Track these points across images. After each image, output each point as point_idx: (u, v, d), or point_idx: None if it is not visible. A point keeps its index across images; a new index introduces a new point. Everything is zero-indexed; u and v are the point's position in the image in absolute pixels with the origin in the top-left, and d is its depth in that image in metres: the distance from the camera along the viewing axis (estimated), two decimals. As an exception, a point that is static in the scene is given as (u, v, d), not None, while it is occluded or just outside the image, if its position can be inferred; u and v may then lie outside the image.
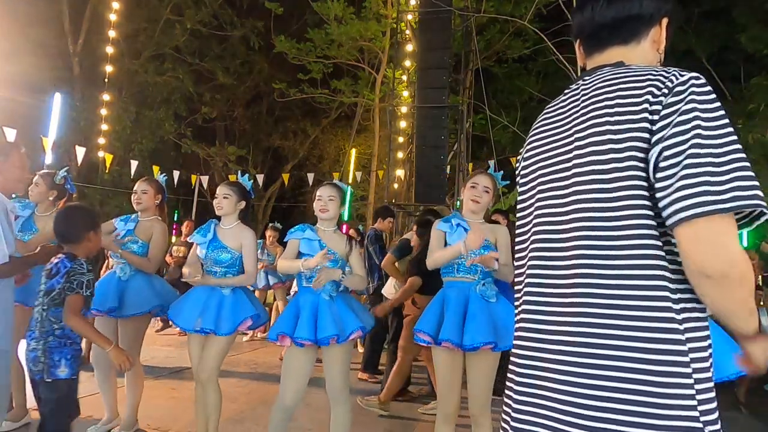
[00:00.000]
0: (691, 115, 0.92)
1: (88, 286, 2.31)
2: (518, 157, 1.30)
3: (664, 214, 0.92)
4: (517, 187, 1.26)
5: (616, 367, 0.93)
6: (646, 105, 0.97)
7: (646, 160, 0.96)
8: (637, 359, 0.93)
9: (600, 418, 0.93)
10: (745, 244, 11.25)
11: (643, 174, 0.96)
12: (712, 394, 0.93)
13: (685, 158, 0.90)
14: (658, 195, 0.93)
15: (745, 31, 10.82)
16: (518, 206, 1.24)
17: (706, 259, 0.89)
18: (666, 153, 0.92)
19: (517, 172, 1.29)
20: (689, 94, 0.94)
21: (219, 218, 3.14)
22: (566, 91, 1.20)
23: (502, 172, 2.93)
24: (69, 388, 2.31)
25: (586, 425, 0.94)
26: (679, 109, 0.94)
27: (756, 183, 0.89)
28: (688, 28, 12.23)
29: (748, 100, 10.78)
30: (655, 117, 0.95)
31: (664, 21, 1.14)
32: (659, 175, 0.93)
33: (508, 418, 1.09)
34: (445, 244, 2.78)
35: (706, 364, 0.93)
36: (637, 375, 0.92)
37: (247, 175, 3.30)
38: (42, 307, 2.31)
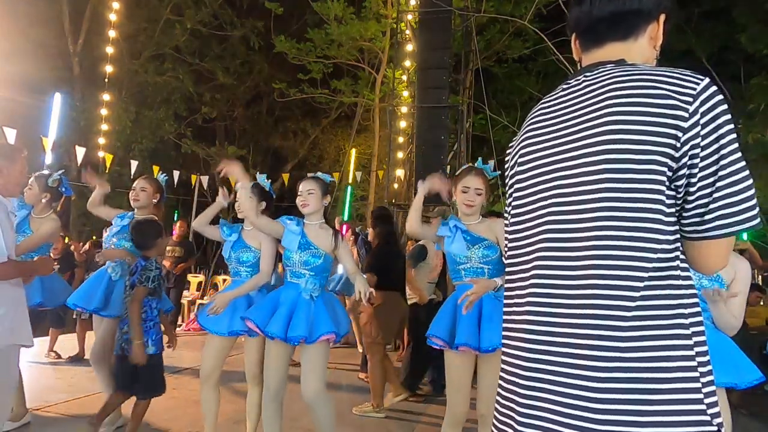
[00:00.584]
0: (717, 134, 0.96)
1: (153, 280, 2.96)
2: (509, 152, 1.26)
3: (691, 227, 1.00)
4: (510, 182, 1.22)
5: (626, 368, 0.94)
6: (667, 110, 0.96)
7: (666, 171, 0.97)
8: (647, 358, 0.94)
9: (612, 421, 0.93)
10: (745, 237, 11.27)
11: (662, 184, 0.97)
12: (713, 388, 0.96)
13: (717, 179, 0.96)
14: (689, 207, 0.99)
15: (745, 31, 10.81)
16: (514, 203, 1.20)
17: (715, 266, 1.05)
18: (694, 171, 0.96)
19: (508, 167, 1.26)
20: (712, 107, 0.96)
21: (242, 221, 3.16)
22: (564, 86, 1.17)
23: (491, 163, 2.86)
24: (156, 361, 3.00)
25: (598, 429, 0.94)
26: (705, 122, 0.96)
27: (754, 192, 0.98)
28: (688, 28, 12.22)
29: (748, 100, 10.78)
30: (682, 123, 0.95)
31: (662, 17, 1.14)
32: (691, 189, 0.98)
33: (512, 422, 1.08)
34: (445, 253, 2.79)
35: (707, 358, 0.97)
36: (647, 374, 0.93)
37: (265, 174, 3.29)
38: (128, 298, 2.97)
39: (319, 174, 3.00)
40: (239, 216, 3.11)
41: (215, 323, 2.95)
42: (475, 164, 2.83)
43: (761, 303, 6.77)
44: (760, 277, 10.18)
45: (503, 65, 13.24)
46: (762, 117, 10.39)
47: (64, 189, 3.60)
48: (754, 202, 0.96)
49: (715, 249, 1.01)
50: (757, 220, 0.97)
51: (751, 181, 0.97)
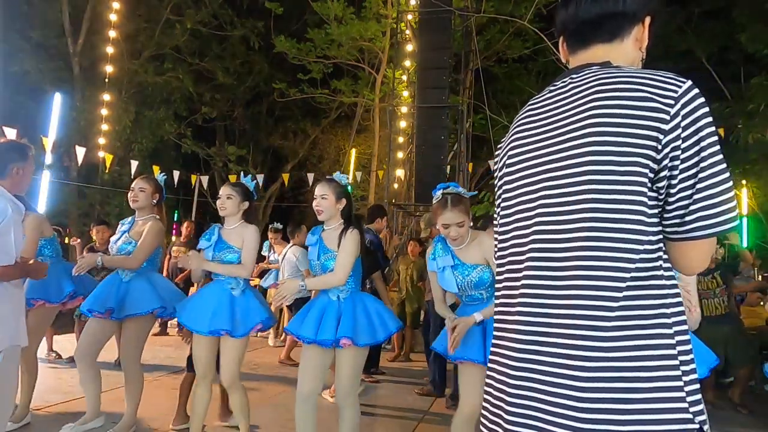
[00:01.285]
0: (697, 136, 0.97)
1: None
2: (498, 153, 1.27)
3: (672, 228, 1.01)
4: (499, 184, 1.23)
5: (611, 368, 0.96)
6: (649, 113, 0.98)
7: (648, 173, 0.98)
8: (631, 357, 0.95)
9: (598, 420, 0.94)
10: (745, 244, 11.28)
11: (644, 185, 0.98)
12: (697, 386, 0.98)
13: (698, 181, 0.98)
14: (669, 209, 1.00)
15: (745, 31, 10.81)
16: (503, 204, 1.20)
17: (697, 266, 1.06)
18: (675, 173, 0.98)
19: (496, 168, 1.27)
20: (693, 109, 0.98)
21: (223, 222, 3.14)
22: (551, 88, 1.18)
23: (466, 189, 2.81)
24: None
25: (585, 428, 0.95)
26: (686, 125, 0.97)
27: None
28: (688, 28, 12.22)
29: (748, 100, 10.77)
30: (663, 126, 0.97)
31: (647, 20, 1.15)
32: (671, 191, 0.99)
33: (501, 420, 1.08)
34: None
35: (690, 357, 0.99)
36: (630, 374, 0.95)
37: (249, 176, 3.29)
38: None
39: (335, 175, 2.94)
40: (221, 215, 3.09)
41: (195, 322, 2.94)
42: (449, 186, 2.70)
43: (762, 304, 6.76)
44: (760, 277, 10.16)
45: (503, 65, 13.25)
46: (762, 117, 10.38)
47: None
48: (733, 204, 0.98)
49: (696, 250, 1.03)
50: (737, 222, 0.99)
51: (730, 184, 0.99)
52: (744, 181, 11.95)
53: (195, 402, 3.07)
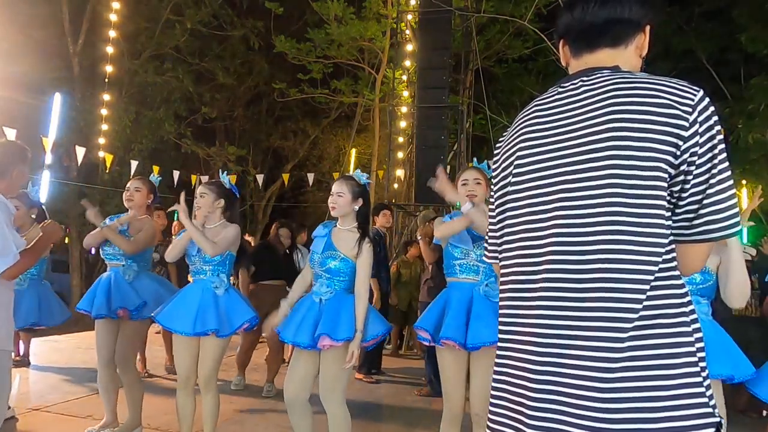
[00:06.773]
0: (711, 143, 1.01)
1: None
2: (499, 151, 1.26)
3: (679, 230, 1.05)
4: (503, 183, 1.22)
5: (636, 367, 0.98)
6: (670, 119, 1.00)
7: (667, 178, 1.02)
8: (655, 356, 0.98)
9: (626, 419, 0.96)
10: (745, 239, 11.27)
11: (663, 190, 1.01)
12: (709, 382, 1.01)
13: (708, 187, 1.02)
14: (679, 212, 1.04)
15: (745, 31, 10.80)
16: (509, 205, 1.19)
17: (696, 267, 1.11)
18: (689, 177, 1.02)
19: (499, 167, 1.25)
20: (708, 117, 1.02)
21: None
22: (560, 89, 1.17)
23: (486, 162, 2.84)
24: None
25: (612, 428, 0.97)
26: (702, 131, 1.01)
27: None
28: (688, 28, 12.22)
29: (748, 100, 10.76)
30: (683, 132, 1.00)
31: (647, 28, 1.18)
32: (683, 195, 1.03)
33: (521, 425, 1.07)
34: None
35: (704, 354, 1.02)
36: (656, 372, 0.97)
37: (226, 172, 3.25)
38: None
39: (355, 173, 2.88)
40: (196, 213, 3.04)
41: (179, 323, 2.87)
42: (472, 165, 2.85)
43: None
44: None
45: (503, 65, 13.23)
46: (762, 117, 10.38)
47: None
48: (737, 210, 1.03)
49: (697, 251, 1.08)
50: (739, 227, 1.04)
51: (735, 190, 1.04)
52: (744, 181, 11.94)
53: (179, 411, 2.99)
